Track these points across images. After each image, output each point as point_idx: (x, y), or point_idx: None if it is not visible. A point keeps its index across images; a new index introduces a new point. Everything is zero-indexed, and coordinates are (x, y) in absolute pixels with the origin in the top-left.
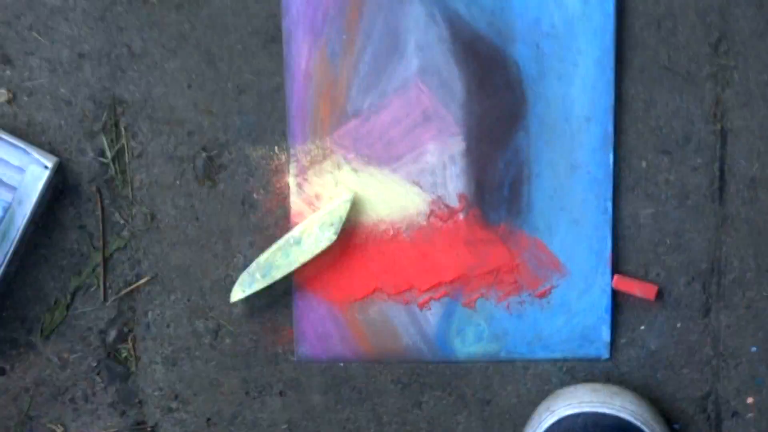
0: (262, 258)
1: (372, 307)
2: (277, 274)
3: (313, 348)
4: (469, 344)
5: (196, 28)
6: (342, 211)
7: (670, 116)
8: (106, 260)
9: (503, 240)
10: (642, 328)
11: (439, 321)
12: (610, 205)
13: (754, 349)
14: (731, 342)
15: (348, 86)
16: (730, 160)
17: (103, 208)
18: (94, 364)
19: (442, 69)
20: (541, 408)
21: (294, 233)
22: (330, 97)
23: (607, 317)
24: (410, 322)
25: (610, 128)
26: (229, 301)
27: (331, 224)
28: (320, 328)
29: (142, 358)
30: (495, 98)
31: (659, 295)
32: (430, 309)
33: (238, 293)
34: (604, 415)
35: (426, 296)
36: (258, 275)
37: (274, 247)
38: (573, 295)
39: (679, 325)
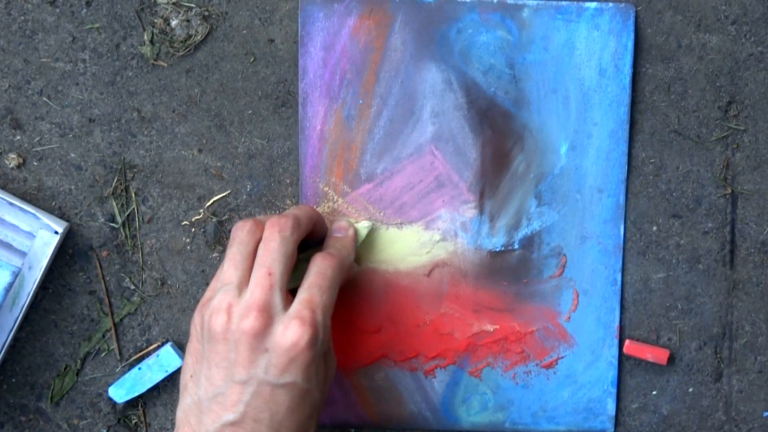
0: None
1: (378, 374)
2: None
3: None
4: (474, 413)
5: (207, 93)
6: (358, 236)
7: (680, 180)
8: (116, 324)
9: (512, 309)
10: (654, 393)
11: (444, 389)
12: (619, 276)
13: (766, 414)
14: (743, 407)
15: (362, 150)
16: (741, 223)
17: (103, 276)
18: (104, 431)
19: (456, 135)
20: None
21: None
22: (344, 161)
23: (613, 390)
24: (416, 389)
25: (622, 200)
26: None
27: None
28: None
29: (152, 425)
30: (508, 167)
31: (671, 359)
32: (435, 377)
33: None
34: None
35: (432, 364)
36: None
37: None
38: (579, 366)
39: (691, 389)
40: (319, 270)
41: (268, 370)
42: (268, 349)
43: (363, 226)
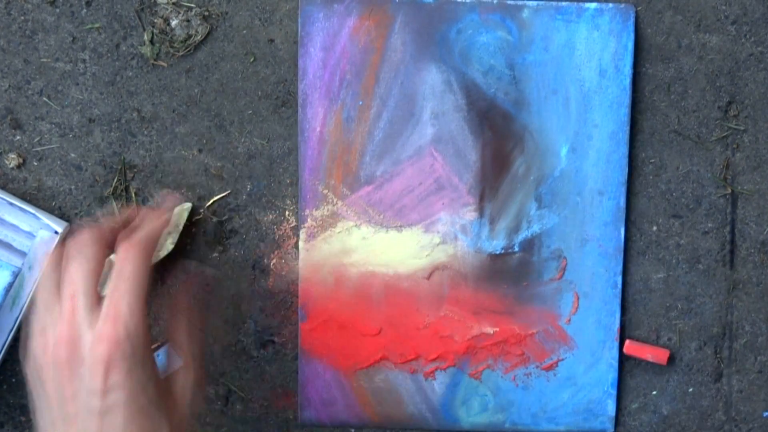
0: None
1: (378, 375)
2: None
3: (318, 413)
4: (474, 414)
5: (207, 93)
6: (179, 219)
7: (680, 180)
8: None
9: (512, 312)
10: (654, 393)
11: (444, 390)
12: (620, 279)
13: (766, 414)
14: (743, 407)
15: (362, 152)
16: (741, 223)
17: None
18: None
19: (456, 137)
20: None
21: None
22: (343, 163)
23: (613, 392)
24: (416, 390)
25: (623, 202)
26: (240, 367)
27: (169, 233)
28: (325, 393)
29: None
30: (508, 169)
31: (671, 359)
32: (435, 379)
33: None
34: None
35: (432, 366)
36: None
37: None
38: (580, 368)
39: (691, 389)
40: (116, 272)
41: (91, 398)
42: (83, 376)
43: (183, 209)
